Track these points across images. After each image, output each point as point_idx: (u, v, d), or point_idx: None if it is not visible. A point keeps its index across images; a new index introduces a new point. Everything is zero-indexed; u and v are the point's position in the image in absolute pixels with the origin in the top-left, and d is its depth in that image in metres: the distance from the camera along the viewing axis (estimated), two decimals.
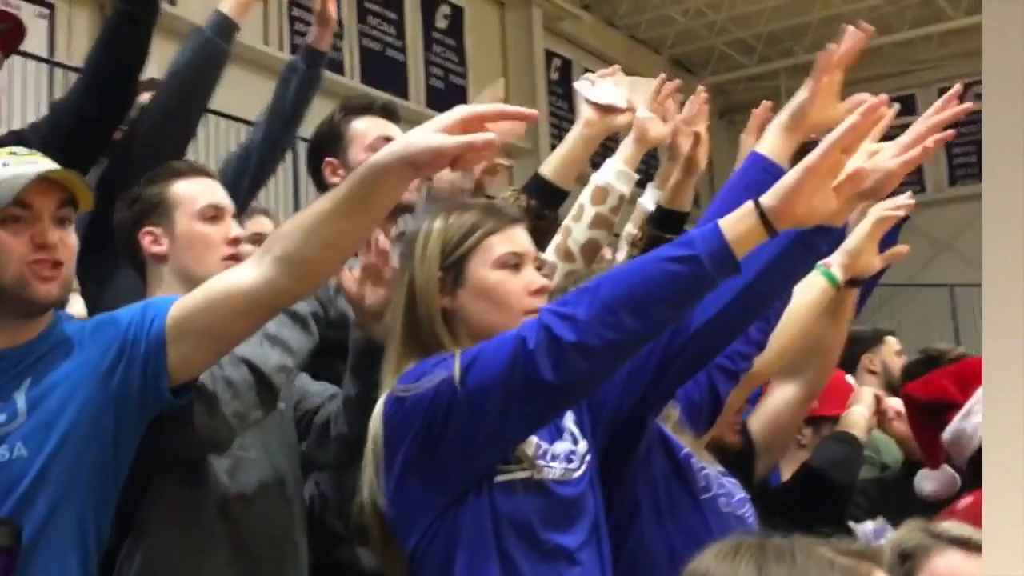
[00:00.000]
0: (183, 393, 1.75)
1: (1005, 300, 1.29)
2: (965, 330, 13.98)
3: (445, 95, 11.56)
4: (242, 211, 2.82)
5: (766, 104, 2.68)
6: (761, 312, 1.82)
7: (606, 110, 2.34)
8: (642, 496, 1.80)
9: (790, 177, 1.50)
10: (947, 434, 2.27)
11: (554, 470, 1.66)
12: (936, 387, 2.36)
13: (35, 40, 8.11)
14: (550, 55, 13.61)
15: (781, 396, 2.53)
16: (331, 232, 1.58)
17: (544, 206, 2.30)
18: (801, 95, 1.84)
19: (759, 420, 2.56)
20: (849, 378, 3.37)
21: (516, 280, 1.71)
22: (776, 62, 15.30)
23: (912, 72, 15.24)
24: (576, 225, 2.42)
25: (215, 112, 8.30)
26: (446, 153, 1.48)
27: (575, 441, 1.72)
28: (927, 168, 14.98)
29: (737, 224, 1.50)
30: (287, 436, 2.20)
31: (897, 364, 3.53)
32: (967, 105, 1.56)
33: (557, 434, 1.71)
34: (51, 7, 8.29)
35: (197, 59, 2.51)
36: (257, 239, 2.86)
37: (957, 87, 1.72)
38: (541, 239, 2.22)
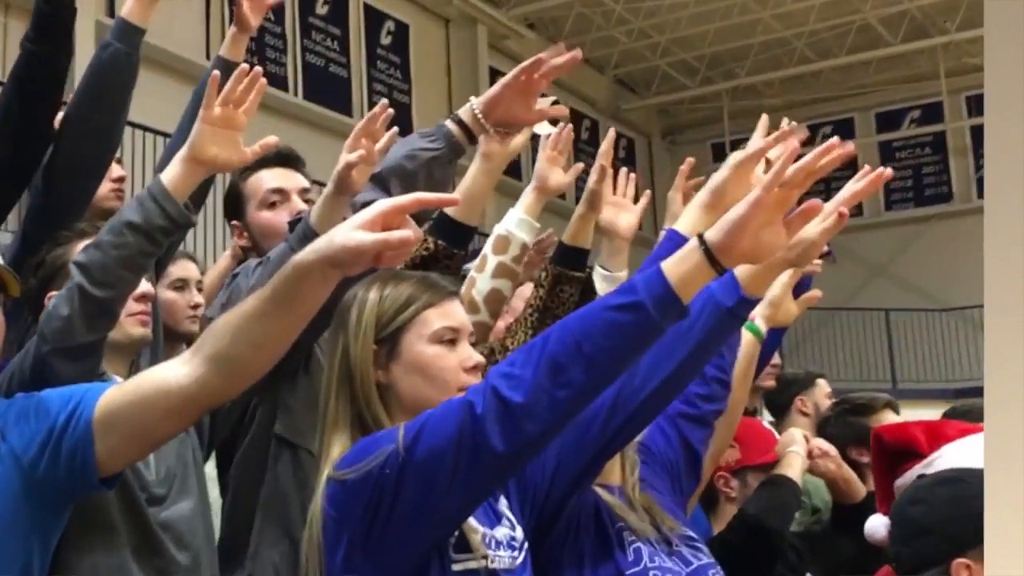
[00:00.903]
0: (114, 480, 1.70)
1: (1006, 312, 1.28)
2: (900, 353, 14.24)
3: None
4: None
5: (690, 161, 2.72)
6: (691, 380, 1.78)
7: (502, 137, 2.26)
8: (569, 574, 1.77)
9: (735, 211, 1.45)
10: (902, 480, 2.26)
11: (503, 559, 1.62)
12: (906, 435, 2.31)
13: None
14: (495, 72, 13.61)
15: None
16: (259, 333, 1.54)
17: (452, 246, 2.24)
18: (721, 173, 1.83)
19: None
20: (767, 424, 3.40)
21: (451, 356, 1.68)
22: (719, 84, 15.50)
23: (850, 96, 15.50)
24: (480, 276, 2.38)
25: None
26: (366, 252, 1.45)
27: (512, 527, 1.69)
28: None
29: (680, 264, 1.45)
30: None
31: (827, 405, 3.56)
32: (849, 148, 1.52)
33: (496, 519, 1.67)
34: None
35: (99, 68, 2.36)
36: (181, 285, 2.88)
37: (785, 129, 1.74)
38: (454, 279, 2.18)
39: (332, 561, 1.54)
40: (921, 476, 2.17)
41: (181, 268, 2.95)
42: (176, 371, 1.59)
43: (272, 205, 2.45)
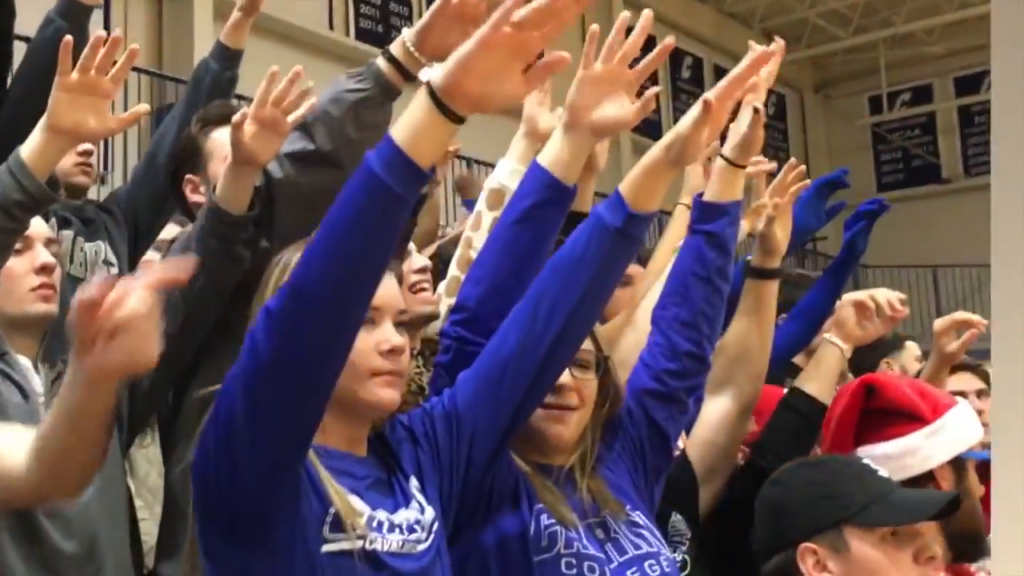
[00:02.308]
0: None
1: (1013, 292, 1.22)
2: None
3: None
4: (154, 229, 2.70)
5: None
6: (598, 312, 1.67)
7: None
8: (489, 559, 1.66)
9: (458, 51, 1.31)
10: (877, 447, 2.05)
11: (391, 541, 1.49)
12: (903, 395, 2.10)
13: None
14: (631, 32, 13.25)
15: (713, 413, 2.24)
16: (71, 437, 1.37)
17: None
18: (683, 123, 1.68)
19: (695, 445, 2.26)
20: None
21: (367, 337, 1.49)
22: (874, 32, 14.66)
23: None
24: (476, 234, 2.23)
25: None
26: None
27: (421, 510, 1.55)
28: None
29: (407, 119, 1.30)
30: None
31: (916, 369, 3.25)
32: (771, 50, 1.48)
33: (404, 502, 1.54)
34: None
35: (40, 45, 2.33)
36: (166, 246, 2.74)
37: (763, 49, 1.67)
38: (403, 241, 2.08)
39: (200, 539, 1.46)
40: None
41: (168, 230, 2.82)
42: (18, 455, 1.42)
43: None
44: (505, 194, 2.19)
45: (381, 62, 1.96)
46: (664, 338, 1.88)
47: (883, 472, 1.83)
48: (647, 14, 1.56)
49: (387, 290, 1.53)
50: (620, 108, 1.60)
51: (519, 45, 1.30)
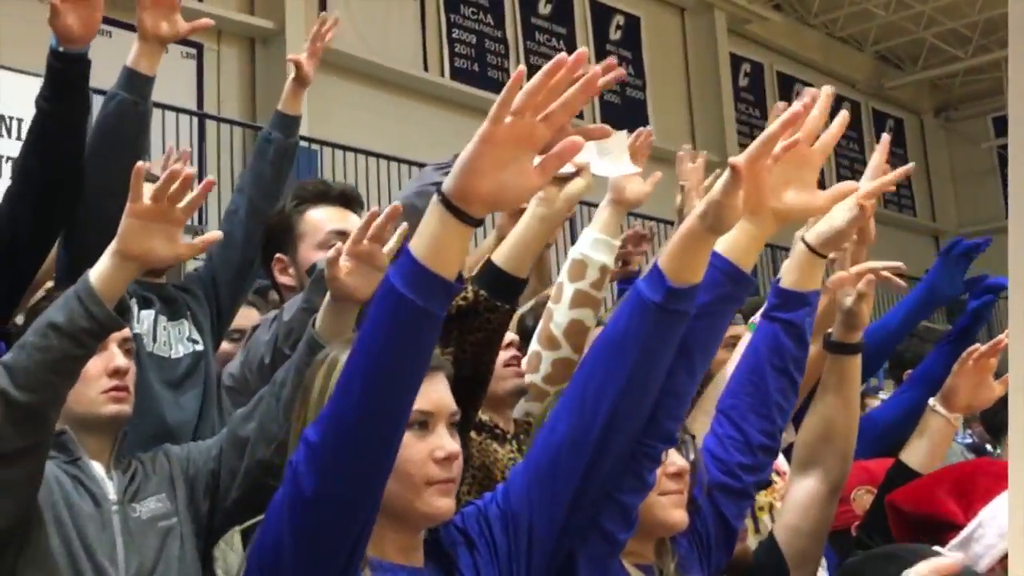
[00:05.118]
0: None
1: None
2: None
3: (622, 110, 11.11)
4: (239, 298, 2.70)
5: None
6: (653, 391, 1.55)
7: (562, 180, 1.93)
8: None
9: (463, 153, 1.26)
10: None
11: None
12: (931, 501, 1.94)
13: (184, 84, 8.21)
14: (737, 60, 12.91)
15: (801, 495, 2.16)
16: None
17: (497, 298, 1.90)
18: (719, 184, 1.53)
19: (783, 528, 2.16)
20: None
21: (419, 444, 1.45)
22: (996, 52, 14.00)
23: None
24: (557, 307, 2.20)
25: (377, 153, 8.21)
26: None
27: None
28: None
29: (424, 230, 1.26)
30: None
31: None
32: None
33: None
34: (199, 47, 8.38)
35: (105, 119, 2.28)
36: (238, 336, 2.79)
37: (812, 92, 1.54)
38: (496, 334, 1.94)
39: None
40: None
41: (240, 317, 2.82)
42: None
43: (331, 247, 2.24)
44: (588, 265, 2.19)
45: None
46: (737, 430, 1.83)
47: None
48: (828, 91, 1.51)
49: (439, 394, 1.50)
50: (809, 194, 1.54)
51: (524, 135, 1.25)
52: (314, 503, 1.32)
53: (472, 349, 1.87)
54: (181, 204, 1.76)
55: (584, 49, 1.25)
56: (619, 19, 11.66)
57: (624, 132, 2.10)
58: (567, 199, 1.95)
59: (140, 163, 1.78)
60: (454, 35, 10.02)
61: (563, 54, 1.24)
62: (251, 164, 2.67)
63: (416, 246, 1.25)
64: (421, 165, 9.90)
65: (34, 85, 2.29)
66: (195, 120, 7.55)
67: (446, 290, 1.26)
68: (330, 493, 1.32)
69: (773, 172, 1.49)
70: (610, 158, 2.01)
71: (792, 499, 2.18)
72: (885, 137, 1.54)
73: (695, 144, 10.96)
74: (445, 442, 1.47)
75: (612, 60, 1.88)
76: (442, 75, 9.93)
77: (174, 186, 1.74)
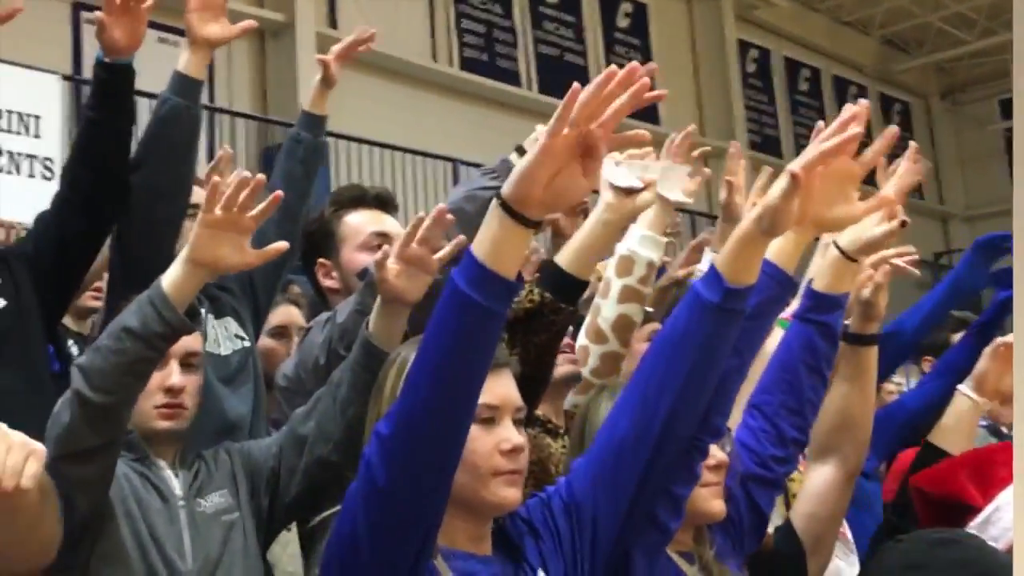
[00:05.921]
0: None
1: None
2: None
3: None
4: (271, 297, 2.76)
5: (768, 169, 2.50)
6: (710, 388, 1.60)
7: (627, 192, 2.03)
8: None
9: (523, 161, 1.34)
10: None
11: None
12: (952, 484, 2.00)
13: None
14: (744, 46, 12.90)
15: (818, 482, 2.23)
16: None
17: (560, 299, 1.97)
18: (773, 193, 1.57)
19: (801, 515, 2.22)
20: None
21: (486, 437, 1.52)
22: (1003, 34, 13.97)
23: None
24: (604, 302, 2.25)
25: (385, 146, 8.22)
26: None
27: None
28: None
29: (485, 234, 1.33)
30: None
31: None
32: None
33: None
34: None
35: (158, 124, 2.33)
36: (280, 332, 2.91)
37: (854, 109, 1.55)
38: (559, 335, 2.04)
39: None
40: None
41: (281, 315, 2.92)
42: None
43: (375, 248, 2.32)
44: (635, 261, 2.24)
45: (515, 158, 2.02)
46: (771, 425, 1.93)
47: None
48: (863, 103, 1.54)
49: (505, 389, 1.56)
50: (849, 205, 1.59)
51: (578, 143, 1.32)
52: (386, 494, 1.38)
53: (536, 350, 1.95)
54: (250, 213, 1.81)
55: (635, 63, 1.33)
56: (627, 7, 11.66)
57: (686, 167, 2.29)
58: (634, 210, 2.05)
59: (215, 179, 1.86)
60: (463, 25, 10.03)
61: (614, 66, 1.32)
62: (281, 163, 2.73)
63: (478, 248, 1.32)
64: (431, 155, 9.90)
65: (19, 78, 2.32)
66: (205, 113, 7.58)
67: (507, 289, 1.32)
68: (401, 484, 1.38)
69: (820, 185, 1.55)
70: (623, 172, 2.07)
71: (810, 486, 2.25)
72: (893, 128, 1.56)
73: (703, 131, 11.02)
74: (511, 435, 1.54)
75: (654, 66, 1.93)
76: (451, 65, 9.94)
77: (244, 193, 1.78)
